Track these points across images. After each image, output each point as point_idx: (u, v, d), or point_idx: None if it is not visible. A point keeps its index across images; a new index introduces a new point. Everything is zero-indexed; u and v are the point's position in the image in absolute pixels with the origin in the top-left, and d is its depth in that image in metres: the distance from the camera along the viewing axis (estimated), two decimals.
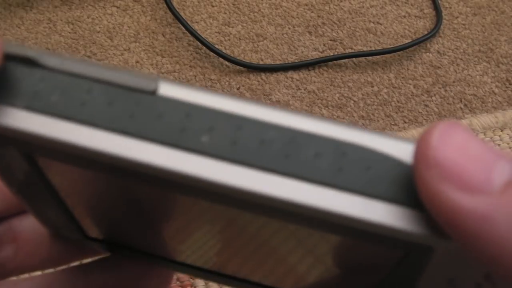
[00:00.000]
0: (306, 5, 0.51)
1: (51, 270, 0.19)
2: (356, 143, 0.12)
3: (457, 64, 0.50)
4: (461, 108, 0.47)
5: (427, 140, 0.10)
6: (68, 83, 0.12)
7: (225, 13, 0.50)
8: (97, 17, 0.47)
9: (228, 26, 0.49)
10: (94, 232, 0.18)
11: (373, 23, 0.51)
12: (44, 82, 0.12)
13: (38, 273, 0.19)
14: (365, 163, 0.12)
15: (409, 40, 0.50)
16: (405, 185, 0.11)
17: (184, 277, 0.35)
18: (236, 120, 0.12)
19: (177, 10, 0.48)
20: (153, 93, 0.12)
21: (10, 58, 0.12)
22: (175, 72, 0.45)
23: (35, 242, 0.19)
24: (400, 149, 0.12)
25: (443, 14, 0.53)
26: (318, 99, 0.46)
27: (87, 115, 0.12)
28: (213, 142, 0.12)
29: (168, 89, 0.12)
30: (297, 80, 0.46)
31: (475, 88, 0.49)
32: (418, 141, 0.11)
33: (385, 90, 0.47)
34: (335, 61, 0.48)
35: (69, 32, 0.46)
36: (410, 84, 0.48)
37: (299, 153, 0.12)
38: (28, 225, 0.19)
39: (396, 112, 0.46)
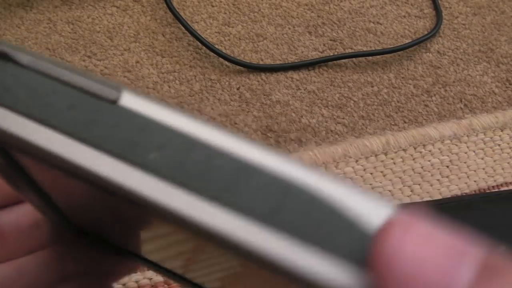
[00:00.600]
0: (306, 5, 0.51)
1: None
2: (304, 185, 0.11)
3: (457, 64, 0.50)
4: (461, 108, 0.47)
5: (382, 244, 0.10)
6: (37, 82, 0.12)
7: (225, 13, 0.50)
8: (97, 17, 0.47)
9: (228, 26, 0.49)
10: (76, 222, 0.19)
11: (373, 23, 0.51)
12: (14, 79, 0.12)
13: None
14: (307, 207, 0.11)
15: (409, 40, 0.50)
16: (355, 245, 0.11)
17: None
18: (189, 141, 0.12)
19: (177, 10, 0.48)
20: (114, 102, 0.12)
21: None
22: (175, 72, 0.45)
23: (20, 236, 0.19)
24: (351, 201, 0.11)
25: (443, 14, 0.53)
26: (318, 99, 0.46)
27: (47, 115, 0.12)
28: (160, 161, 0.12)
29: (130, 100, 0.12)
30: (297, 80, 0.46)
31: (475, 88, 0.49)
32: (374, 243, 0.10)
33: (385, 90, 0.47)
34: (335, 61, 0.48)
35: (69, 32, 0.46)
36: (410, 84, 0.48)
37: (243, 185, 0.11)
38: (12, 219, 0.19)
39: (396, 112, 0.46)
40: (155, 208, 0.12)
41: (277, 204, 0.11)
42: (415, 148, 0.43)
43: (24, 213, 0.19)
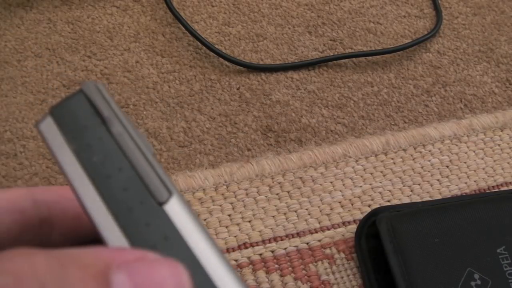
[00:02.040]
0: (306, 5, 0.51)
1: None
2: None
3: (457, 64, 0.50)
4: (461, 108, 0.47)
5: None
6: (113, 154, 0.14)
7: (225, 13, 0.50)
8: (97, 17, 0.47)
9: (228, 26, 0.49)
10: None
11: (373, 23, 0.51)
12: (98, 141, 0.14)
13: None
14: None
15: (409, 40, 0.50)
16: None
17: None
18: (196, 268, 0.14)
19: (177, 10, 0.48)
20: (160, 204, 0.14)
21: (92, 104, 0.15)
22: (175, 72, 0.45)
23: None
24: None
25: (443, 14, 0.53)
26: (318, 99, 0.46)
27: (104, 186, 0.14)
28: None
29: (173, 209, 0.14)
30: (297, 80, 0.46)
31: (475, 88, 0.49)
32: None
33: (385, 90, 0.47)
34: (335, 61, 0.48)
35: (69, 32, 0.46)
36: (410, 84, 0.48)
37: None
38: None
39: (396, 112, 0.46)
40: None
41: None
42: (415, 148, 0.43)
43: None
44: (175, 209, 0.14)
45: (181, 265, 0.13)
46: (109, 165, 0.14)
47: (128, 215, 0.14)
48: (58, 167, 0.15)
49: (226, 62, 0.46)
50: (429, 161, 0.43)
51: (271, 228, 0.38)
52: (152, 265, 0.13)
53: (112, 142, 0.14)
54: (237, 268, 0.36)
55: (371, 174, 0.42)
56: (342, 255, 0.38)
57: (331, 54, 0.48)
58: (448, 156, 0.43)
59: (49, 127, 0.15)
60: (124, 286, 0.12)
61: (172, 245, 0.14)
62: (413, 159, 0.43)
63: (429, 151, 0.43)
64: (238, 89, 0.45)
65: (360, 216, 0.39)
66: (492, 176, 0.43)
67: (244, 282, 0.14)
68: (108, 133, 0.14)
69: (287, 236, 0.38)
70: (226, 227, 0.38)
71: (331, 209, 0.40)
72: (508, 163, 0.44)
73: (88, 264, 0.12)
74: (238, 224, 0.38)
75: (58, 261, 0.12)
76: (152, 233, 0.14)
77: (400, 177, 0.42)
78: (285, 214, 0.39)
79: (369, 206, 0.40)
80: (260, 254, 0.37)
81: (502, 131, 0.46)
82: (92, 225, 0.14)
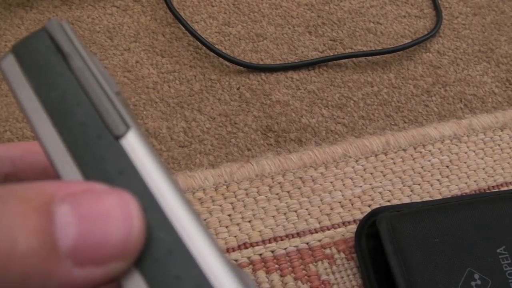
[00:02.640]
0: (306, 5, 0.51)
1: None
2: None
3: (457, 64, 0.50)
4: (461, 108, 0.47)
5: None
6: (72, 89, 0.14)
7: (225, 13, 0.50)
8: (97, 17, 0.47)
9: (228, 26, 0.49)
10: None
11: (373, 23, 0.51)
12: (58, 78, 0.14)
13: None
14: None
15: (409, 40, 0.50)
16: None
17: None
18: (149, 202, 0.13)
19: (177, 10, 0.48)
20: (117, 138, 0.14)
21: (54, 41, 0.14)
22: (175, 72, 0.45)
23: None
24: None
25: (443, 14, 0.53)
26: (318, 99, 0.46)
27: (62, 121, 0.14)
28: None
29: (131, 142, 0.14)
30: (297, 80, 0.46)
31: (475, 88, 0.49)
32: None
33: (385, 90, 0.47)
34: (335, 61, 0.48)
35: None
36: (410, 84, 0.48)
37: (167, 265, 0.13)
38: None
39: (396, 112, 0.46)
40: None
41: None
42: (415, 148, 0.43)
43: None
44: (132, 144, 0.14)
45: (130, 195, 0.13)
46: (67, 101, 0.14)
47: (84, 149, 0.14)
48: (18, 106, 0.15)
49: (226, 62, 0.46)
50: (429, 161, 0.43)
51: (271, 228, 0.38)
52: (99, 196, 0.13)
53: (72, 77, 0.14)
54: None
55: (371, 174, 0.42)
56: (342, 255, 0.38)
57: (331, 54, 0.48)
58: (448, 156, 0.43)
59: (10, 65, 0.14)
60: (67, 218, 0.12)
61: (127, 180, 0.13)
62: (413, 159, 0.43)
63: (429, 151, 0.43)
64: (238, 89, 0.45)
65: (360, 216, 0.39)
66: (492, 176, 0.43)
67: (202, 221, 0.13)
68: (68, 69, 0.14)
69: (287, 236, 0.38)
70: (226, 227, 0.38)
71: (331, 209, 0.40)
72: (508, 163, 0.44)
73: (30, 197, 0.12)
74: (238, 224, 0.38)
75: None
76: (107, 167, 0.13)
77: (400, 177, 0.42)
78: (285, 214, 0.39)
79: (369, 206, 0.40)
80: (260, 254, 0.37)
81: (502, 131, 0.46)
82: (51, 165, 0.14)
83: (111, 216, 0.12)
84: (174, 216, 0.13)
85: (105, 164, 0.13)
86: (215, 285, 0.12)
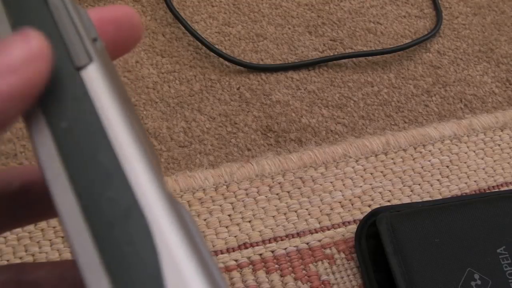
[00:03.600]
0: (306, 5, 0.51)
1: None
2: (146, 214, 0.13)
3: (457, 64, 0.50)
4: (461, 108, 0.47)
5: None
6: (45, 23, 0.14)
7: (225, 13, 0.50)
8: None
9: (228, 26, 0.49)
10: None
11: (373, 23, 0.51)
12: (33, 13, 0.15)
13: None
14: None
15: (409, 40, 0.50)
16: None
17: None
18: (95, 128, 0.13)
19: (177, 10, 0.48)
20: (78, 69, 0.14)
21: None
22: (175, 72, 0.45)
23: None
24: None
25: (443, 14, 0.53)
26: (318, 99, 0.46)
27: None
28: (66, 133, 0.14)
29: (91, 74, 0.14)
30: (297, 80, 0.46)
31: (475, 88, 0.49)
32: None
33: (385, 90, 0.47)
34: (335, 61, 0.48)
35: None
36: (410, 84, 0.48)
37: (102, 187, 0.13)
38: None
39: (396, 112, 0.46)
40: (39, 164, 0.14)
41: (113, 220, 0.13)
42: (415, 148, 0.43)
43: None
44: (92, 76, 0.14)
45: (34, 34, 0.14)
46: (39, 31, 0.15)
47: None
48: None
49: (226, 62, 0.46)
50: (429, 161, 0.43)
51: (271, 228, 0.38)
52: (9, 42, 0.13)
53: (47, 13, 0.14)
54: (237, 268, 0.36)
55: (371, 174, 0.42)
56: (342, 255, 0.38)
57: (331, 54, 0.48)
58: (448, 156, 0.43)
59: None
60: None
61: (79, 108, 0.14)
62: (413, 159, 0.43)
63: (429, 151, 0.43)
64: (238, 89, 0.45)
65: (360, 216, 0.39)
66: (492, 176, 0.43)
67: (148, 154, 0.14)
68: (45, 5, 0.15)
69: (287, 236, 0.38)
70: (226, 227, 0.38)
71: (331, 209, 0.40)
72: (508, 163, 0.44)
73: None
74: (238, 224, 0.38)
75: None
76: (63, 95, 0.14)
77: (400, 177, 0.42)
78: (285, 214, 0.39)
79: (369, 206, 0.40)
80: (260, 254, 0.37)
81: (502, 131, 0.46)
82: None
83: (13, 42, 0.13)
84: (118, 143, 0.13)
85: (61, 92, 0.14)
86: (145, 211, 0.13)
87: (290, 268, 0.37)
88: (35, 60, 0.13)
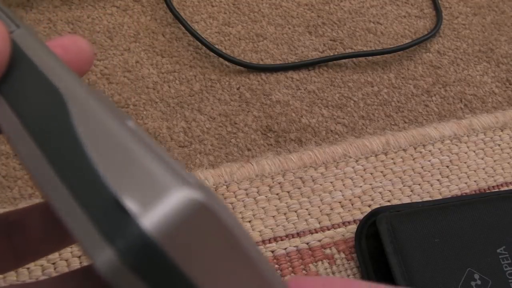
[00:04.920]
0: (306, 5, 0.51)
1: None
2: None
3: (457, 64, 0.50)
4: (461, 108, 0.47)
5: None
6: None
7: (225, 13, 0.50)
8: (97, 17, 0.47)
9: (228, 26, 0.49)
10: None
11: (373, 23, 0.51)
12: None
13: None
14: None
15: (409, 40, 0.50)
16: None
17: None
18: (41, 78, 0.15)
19: (177, 10, 0.48)
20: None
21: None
22: (175, 72, 0.45)
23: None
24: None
25: (443, 14, 0.53)
26: (318, 99, 0.46)
27: None
28: (10, 89, 0.15)
29: (21, 36, 0.16)
30: (297, 80, 0.46)
31: (475, 88, 0.49)
32: None
33: (385, 90, 0.47)
34: (335, 61, 0.48)
35: (69, 32, 0.46)
36: (410, 84, 0.48)
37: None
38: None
39: (396, 112, 0.46)
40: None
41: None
42: (415, 148, 0.43)
43: None
44: (22, 38, 0.15)
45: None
46: None
47: None
48: None
49: (226, 62, 0.46)
50: (429, 161, 0.43)
51: (271, 228, 0.38)
52: None
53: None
54: None
55: (371, 174, 0.42)
56: (342, 255, 0.38)
57: (331, 54, 0.48)
58: (448, 156, 0.43)
59: None
60: None
61: (20, 65, 0.15)
62: (413, 159, 0.43)
63: (429, 151, 0.43)
64: (238, 89, 0.45)
65: (360, 216, 0.39)
66: (492, 176, 0.43)
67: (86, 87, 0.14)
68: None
69: (287, 236, 0.38)
70: None
71: (331, 209, 0.40)
72: (508, 163, 0.44)
73: None
74: None
75: None
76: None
77: (400, 177, 0.42)
78: (285, 214, 0.39)
79: (369, 206, 0.40)
80: None
81: (502, 131, 0.46)
82: None
83: None
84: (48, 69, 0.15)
85: None
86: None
87: (290, 268, 0.37)
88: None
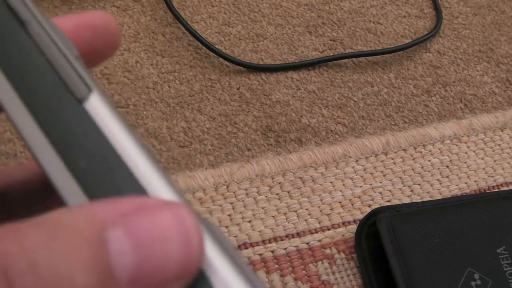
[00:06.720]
0: (306, 5, 0.51)
1: None
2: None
3: (457, 64, 0.50)
4: (461, 108, 0.47)
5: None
6: (31, 55, 0.14)
7: (225, 13, 0.50)
8: None
9: (228, 26, 0.49)
10: None
11: (373, 23, 0.51)
12: (16, 44, 0.14)
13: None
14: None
15: (409, 40, 0.50)
16: None
17: None
18: (115, 163, 0.13)
19: (177, 10, 0.48)
20: (79, 101, 0.14)
21: (9, 7, 0.14)
22: (175, 72, 0.45)
23: None
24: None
25: (443, 14, 0.53)
26: (318, 99, 0.46)
27: (22, 86, 0.14)
28: (86, 169, 0.13)
29: (94, 104, 0.14)
30: (297, 80, 0.46)
31: (475, 88, 0.49)
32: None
33: (385, 90, 0.47)
34: (335, 61, 0.48)
35: None
36: (410, 84, 0.48)
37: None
38: None
39: (396, 112, 0.46)
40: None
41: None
42: (415, 148, 0.43)
43: None
44: (95, 106, 0.14)
45: (184, 207, 0.12)
46: (27, 66, 0.14)
47: (47, 113, 0.14)
48: None
49: (226, 62, 0.46)
50: (429, 161, 0.43)
51: (271, 228, 0.38)
52: (151, 213, 0.12)
53: (30, 43, 0.14)
54: None
55: (371, 174, 0.42)
56: (342, 255, 0.38)
57: (331, 54, 0.48)
58: (448, 156, 0.43)
59: None
60: (121, 245, 0.11)
61: (92, 142, 0.13)
62: (413, 159, 0.43)
63: (429, 151, 0.43)
64: (238, 89, 0.45)
65: (360, 216, 0.39)
66: (492, 176, 0.43)
67: (168, 177, 0.14)
68: (26, 35, 0.14)
69: (287, 236, 0.38)
70: (226, 227, 0.38)
71: (331, 209, 0.40)
72: (508, 163, 0.44)
73: (80, 228, 0.11)
74: (238, 224, 0.38)
75: (47, 233, 0.11)
76: (71, 130, 0.13)
77: (400, 177, 0.42)
78: (285, 214, 0.39)
79: (369, 206, 0.40)
80: (260, 254, 0.37)
81: (502, 131, 0.46)
82: (15, 130, 0.14)
83: (168, 236, 0.11)
84: (142, 175, 0.13)
85: (69, 127, 0.13)
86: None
87: (290, 268, 0.37)
88: (191, 266, 0.11)
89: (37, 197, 0.18)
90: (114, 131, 0.14)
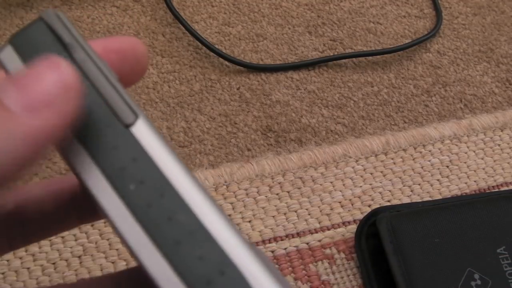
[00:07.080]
0: (306, 5, 0.51)
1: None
2: (239, 267, 0.13)
3: (457, 64, 0.50)
4: (461, 108, 0.47)
5: None
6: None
7: (225, 13, 0.50)
8: (97, 17, 0.47)
9: (228, 26, 0.49)
10: None
11: (373, 23, 0.51)
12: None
13: None
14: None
15: (409, 40, 0.50)
16: None
17: None
18: (164, 187, 0.13)
19: (177, 10, 0.48)
20: (126, 126, 0.14)
21: (52, 31, 0.15)
22: (175, 72, 0.45)
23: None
24: None
25: (443, 14, 0.53)
26: (318, 99, 0.46)
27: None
28: (136, 194, 0.13)
29: (140, 131, 0.14)
30: (297, 80, 0.46)
31: (475, 88, 0.49)
32: None
33: (385, 90, 0.47)
34: (335, 61, 0.48)
35: None
36: (410, 84, 0.48)
37: (189, 247, 0.13)
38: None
39: (396, 112, 0.46)
40: (116, 231, 0.14)
41: (210, 278, 0.13)
42: (415, 148, 0.43)
43: None
44: (142, 131, 0.14)
45: (64, 64, 0.13)
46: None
47: (95, 138, 0.14)
48: None
49: (226, 62, 0.46)
50: (429, 161, 0.43)
51: (271, 228, 0.38)
52: (38, 73, 0.13)
53: (75, 68, 0.14)
54: None
55: (371, 174, 0.42)
56: (342, 255, 0.38)
57: (331, 54, 0.48)
58: (448, 156, 0.43)
59: (9, 56, 0.14)
60: (12, 98, 0.12)
61: (141, 165, 0.14)
62: (413, 159, 0.43)
63: (429, 151, 0.43)
64: (238, 89, 0.45)
65: (360, 216, 0.39)
66: (492, 176, 0.43)
67: (216, 203, 0.14)
68: (70, 60, 0.14)
69: (287, 236, 0.38)
70: None
71: (331, 209, 0.40)
72: (508, 163, 0.44)
73: None
74: (238, 224, 0.38)
75: None
76: (120, 155, 0.14)
77: (400, 177, 0.42)
78: (285, 214, 0.39)
79: (369, 206, 0.40)
80: None
81: (502, 131, 0.46)
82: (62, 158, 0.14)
83: (51, 92, 0.13)
84: (191, 200, 0.13)
85: (118, 152, 0.14)
86: (237, 265, 0.13)
87: (290, 268, 0.37)
88: (69, 90, 0.13)
89: (53, 215, 0.19)
90: (161, 156, 0.14)
